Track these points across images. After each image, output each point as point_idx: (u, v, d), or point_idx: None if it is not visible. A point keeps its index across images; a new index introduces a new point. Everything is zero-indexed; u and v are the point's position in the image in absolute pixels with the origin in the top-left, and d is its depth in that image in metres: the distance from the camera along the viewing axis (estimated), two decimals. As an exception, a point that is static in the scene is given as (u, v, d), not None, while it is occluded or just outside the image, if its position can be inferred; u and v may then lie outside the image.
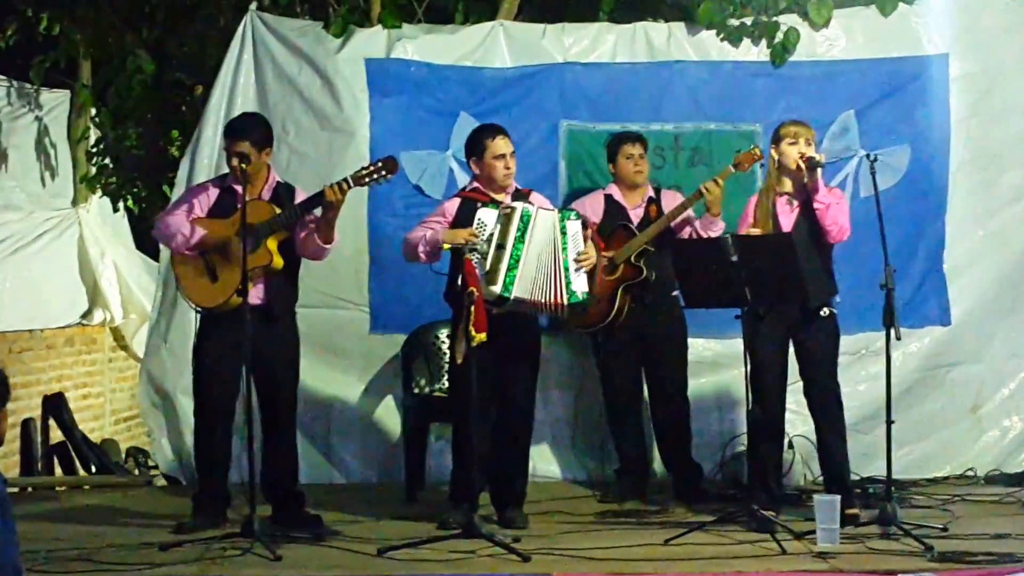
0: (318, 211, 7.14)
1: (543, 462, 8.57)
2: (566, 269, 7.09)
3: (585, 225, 7.28)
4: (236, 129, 7.31)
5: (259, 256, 6.95)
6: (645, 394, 8.24)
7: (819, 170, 7.16)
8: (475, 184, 7.44)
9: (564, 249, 7.10)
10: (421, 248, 7.25)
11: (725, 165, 7.89)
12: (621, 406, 8.17)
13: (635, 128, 8.59)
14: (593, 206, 8.16)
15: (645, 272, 7.89)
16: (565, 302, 7.08)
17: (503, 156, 7.30)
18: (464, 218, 7.18)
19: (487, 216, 7.08)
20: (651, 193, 8.17)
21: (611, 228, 8.03)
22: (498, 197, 7.29)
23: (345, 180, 7.09)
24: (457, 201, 7.40)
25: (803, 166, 7.13)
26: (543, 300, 7.07)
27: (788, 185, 7.28)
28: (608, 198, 8.18)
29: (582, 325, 8.01)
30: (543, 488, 7.99)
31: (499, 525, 7.11)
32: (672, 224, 7.94)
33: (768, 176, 7.33)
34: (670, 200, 8.10)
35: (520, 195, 7.36)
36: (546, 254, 7.09)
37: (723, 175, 7.78)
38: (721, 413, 8.58)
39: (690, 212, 7.97)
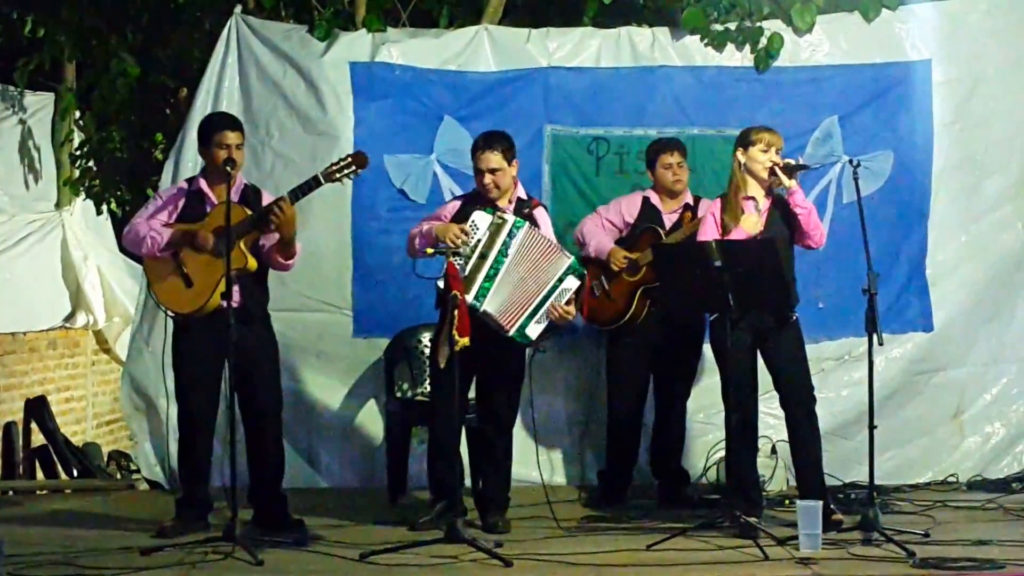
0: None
1: (526, 467, 8.54)
2: (533, 312, 7.09)
3: (582, 283, 7.24)
4: (223, 121, 7.38)
5: (234, 258, 6.91)
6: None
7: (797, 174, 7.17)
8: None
9: (547, 294, 7.10)
10: (418, 241, 7.25)
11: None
12: (625, 408, 8.16)
13: (619, 133, 8.62)
14: (629, 207, 8.16)
15: None
16: (511, 331, 7.09)
17: (481, 171, 7.28)
18: (462, 219, 7.19)
19: (481, 219, 7.10)
20: (689, 200, 8.13)
21: (641, 229, 8.04)
22: (501, 204, 7.28)
23: (315, 178, 7.10)
24: (459, 203, 7.41)
25: (779, 172, 7.10)
26: (500, 316, 7.07)
27: (753, 189, 7.24)
28: (645, 200, 8.16)
29: (600, 322, 8.04)
30: (526, 493, 7.98)
31: (482, 530, 7.13)
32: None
33: (733, 180, 7.27)
34: (706, 209, 8.06)
35: (522, 203, 7.35)
36: (530, 282, 7.08)
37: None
38: (705, 418, 8.58)
39: None
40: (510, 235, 7.08)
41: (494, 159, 7.26)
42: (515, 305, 7.08)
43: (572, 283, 7.16)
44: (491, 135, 7.39)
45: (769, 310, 7.10)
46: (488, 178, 7.25)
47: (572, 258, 7.24)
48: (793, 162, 7.17)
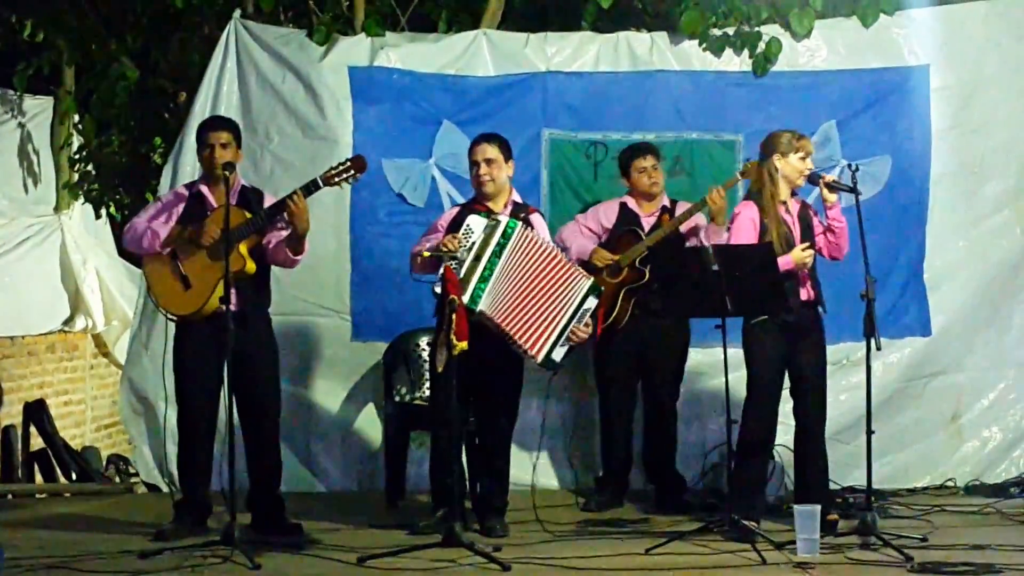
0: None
1: (524, 471, 8.56)
2: (562, 332, 7.08)
3: (599, 301, 7.24)
4: (213, 122, 7.45)
5: (232, 261, 6.92)
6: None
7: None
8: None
9: (573, 314, 7.09)
10: (415, 265, 7.25)
11: (732, 174, 8.03)
12: (614, 412, 8.20)
13: (616, 137, 8.63)
14: (607, 213, 8.22)
15: (648, 276, 7.92)
16: (539, 357, 7.07)
17: (475, 163, 7.31)
18: (459, 224, 7.19)
19: (475, 223, 7.09)
20: (666, 203, 8.20)
21: (620, 233, 8.07)
22: (494, 207, 7.29)
23: (314, 181, 7.11)
24: (456, 210, 7.43)
25: (823, 186, 7.15)
26: (515, 332, 7.03)
27: (784, 194, 7.29)
28: (623, 206, 8.21)
29: None
30: (524, 497, 7.98)
31: (480, 534, 7.13)
32: (683, 231, 7.97)
33: (767, 186, 7.27)
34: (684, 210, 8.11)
35: (519, 207, 7.36)
36: (535, 288, 7.05)
37: (729, 184, 7.92)
38: (702, 423, 8.60)
39: (700, 219, 8.00)
40: (504, 236, 7.06)
41: (490, 150, 7.30)
42: (522, 313, 7.03)
43: (592, 303, 7.16)
44: (487, 134, 7.47)
45: (764, 313, 7.15)
46: (484, 168, 7.27)
47: (591, 279, 7.22)
48: (836, 180, 7.21)
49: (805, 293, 7.25)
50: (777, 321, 7.13)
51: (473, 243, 7.03)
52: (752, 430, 7.20)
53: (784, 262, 7.09)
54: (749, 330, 7.21)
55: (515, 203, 7.38)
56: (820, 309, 7.32)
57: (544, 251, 7.15)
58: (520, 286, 7.07)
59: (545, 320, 7.08)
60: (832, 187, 7.19)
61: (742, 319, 7.19)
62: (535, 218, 7.39)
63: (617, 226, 8.15)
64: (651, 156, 8.17)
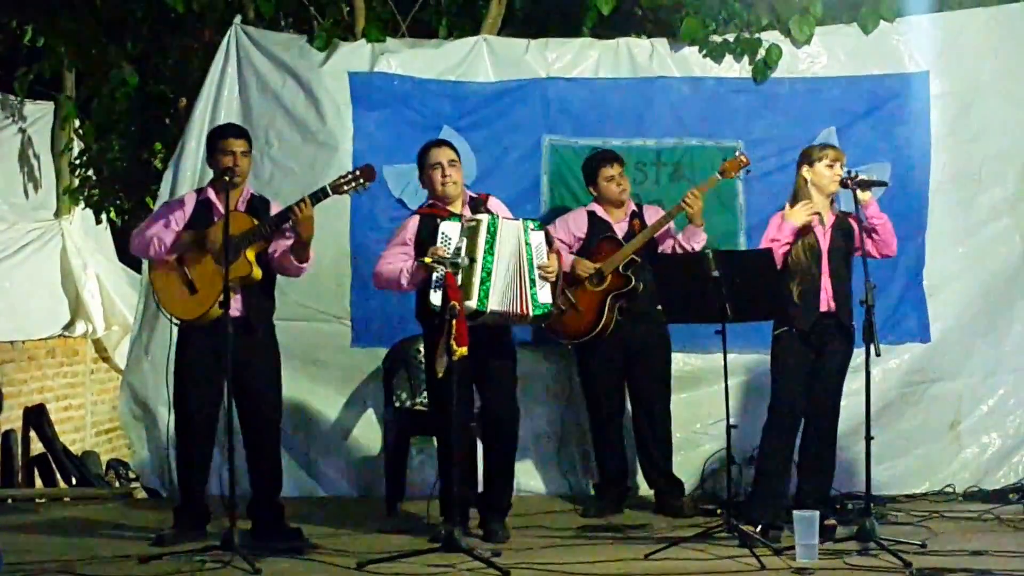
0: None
1: (526, 476, 8.59)
2: (532, 281, 7.11)
3: (549, 237, 7.32)
4: (234, 130, 7.44)
5: (238, 267, 6.96)
6: (627, 408, 8.27)
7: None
8: (431, 200, 7.46)
9: (529, 259, 7.12)
10: (404, 280, 7.23)
11: (710, 175, 8.00)
12: (603, 419, 8.20)
13: (616, 144, 8.62)
14: (577, 223, 8.21)
15: (634, 281, 7.93)
16: (530, 313, 7.11)
17: (438, 165, 7.32)
18: (426, 235, 7.18)
19: (450, 229, 7.08)
20: (634, 207, 8.22)
21: (597, 240, 8.08)
22: (454, 208, 7.31)
23: (323, 189, 7.13)
24: (416, 219, 7.40)
25: (854, 188, 7.17)
26: (511, 311, 7.09)
27: (819, 205, 7.33)
28: (591, 214, 8.22)
29: (570, 336, 8.06)
30: (526, 502, 8.00)
31: (481, 538, 7.13)
32: (655, 236, 8.00)
33: (799, 196, 7.34)
34: (652, 214, 8.15)
35: (476, 201, 7.38)
36: (512, 264, 7.10)
37: (707, 184, 7.91)
38: (701, 428, 8.60)
39: (670, 225, 8.02)
40: (490, 234, 7.06)
41: (450, 152, 7.37)
42: (516, 291, 7.08)
43: (536, 237, 7.19)
44: (437, 139, 7.61)
45: (763, 318, 7.18)
46: (448, 169, 7.29)
47: (520, 219, 7.26)
48: (866, 177, 7.24)
49: (825, 305, 7.27)
50: (796, 330, 7.15)
51: (457, 248, 7.03)
52: (769, 455, 7.29)
53: (788, 225, 7.20)
54: (774, 341, 7.26)
55: (471, 197, 7.42)
56: (844, 320, 7.32)
57: (515, 229, 7.16)
58: (507, 271, 7.08)
59: (519, 281, 7.08)
60: (862, 184, 7.21)
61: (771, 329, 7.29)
62: (493, 203, 7.42)
63: (591, 235, 8.16)
64: (617, 164, 8.18)
